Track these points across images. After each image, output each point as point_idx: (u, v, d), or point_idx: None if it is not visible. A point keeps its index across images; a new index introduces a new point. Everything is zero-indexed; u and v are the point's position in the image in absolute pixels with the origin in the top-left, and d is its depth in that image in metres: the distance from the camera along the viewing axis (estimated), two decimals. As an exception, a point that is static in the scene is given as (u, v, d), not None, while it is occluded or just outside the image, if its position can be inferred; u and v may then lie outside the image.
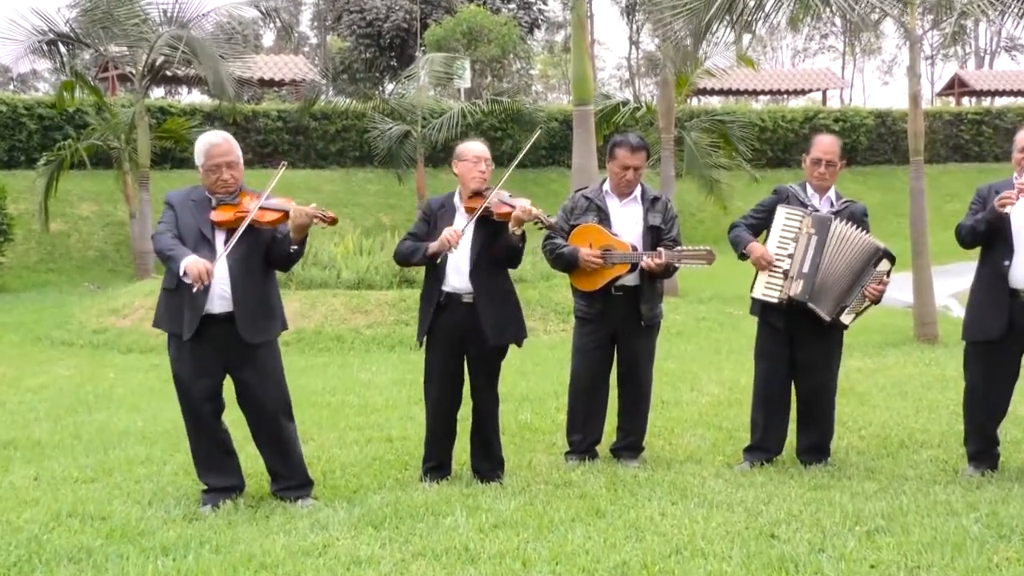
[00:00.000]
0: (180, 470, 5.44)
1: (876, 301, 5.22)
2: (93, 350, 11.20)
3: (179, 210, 4.68)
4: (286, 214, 4.57)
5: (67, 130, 20.06)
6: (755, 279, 5.28)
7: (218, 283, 4.55)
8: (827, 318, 5.12)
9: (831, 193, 5.33)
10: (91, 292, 16.17)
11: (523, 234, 4.93)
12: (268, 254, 4.69)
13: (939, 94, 39.42)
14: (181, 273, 4.40)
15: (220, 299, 4.59)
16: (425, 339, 5.08)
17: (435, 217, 5.06)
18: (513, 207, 4.86)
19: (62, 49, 17.25)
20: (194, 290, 4.42)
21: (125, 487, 5.12)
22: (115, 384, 8.81)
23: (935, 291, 10.53)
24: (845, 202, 5.33)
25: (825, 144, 5.29)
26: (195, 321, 4.55)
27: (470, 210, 4.96)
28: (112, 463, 5.67)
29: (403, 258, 5.10)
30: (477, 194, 5.00)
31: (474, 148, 5.06)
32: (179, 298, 4.57)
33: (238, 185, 4.69)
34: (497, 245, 4.98)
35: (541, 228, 5.02)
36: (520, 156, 5.46)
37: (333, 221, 4.58)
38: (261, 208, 4.56)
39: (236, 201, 4.63)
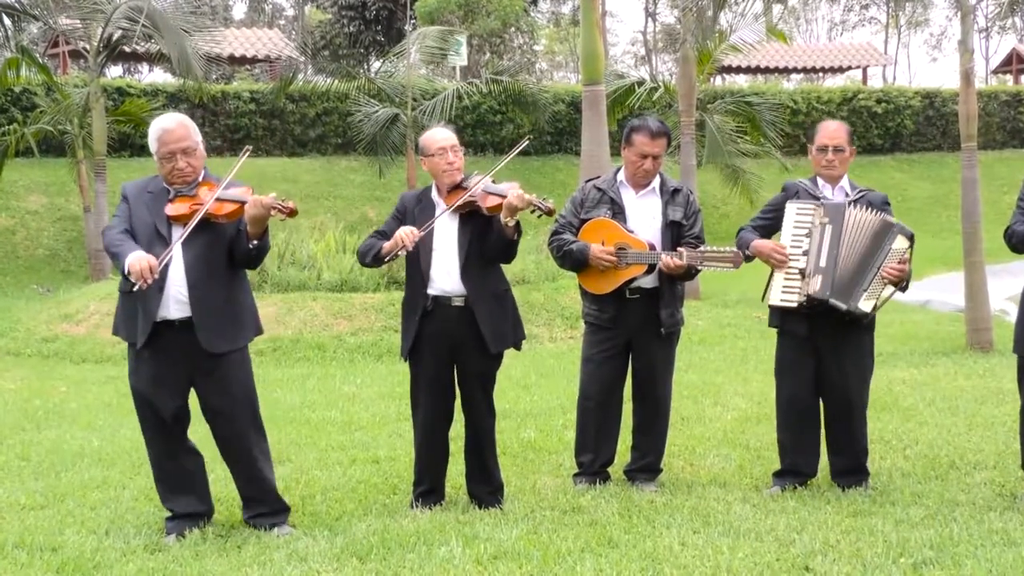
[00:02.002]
0: (140, 495, 5.45)
1: (898, 285, 5.21)
2: (42, 360, 11.21)
3: (133, 203, 4.69)
4: (243, 205, 4.56)
5: (12, 113, 20.08)
6: (768, 286, 5.31)
7: (173, 285, 4.57)
8: (844, 307, 5.13)
9: (844, 183, 5.36)
10: (40, 295, 16.19)
11: (518, 224, 4.94)
12: (231, 252, 4.70)
13: (995, 71, 39.46)
14: (125, 271, 4.41)
15: (176, 303, 4.59)
16: (410, 350, 5.08)
17: (410, 214, 5.07)
18: (503, 196, 4.87)
19: (6, 21, 17.23)
20: (135, 289, 4.41)
21: (79, 514, 5.13)
22: (67, 398, 8.83)
23: (990, 293, 10.54)
24: (861, 192, 5.35)
25: (831, 130, 5.36)
26: (147, 327, 4.56)
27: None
28: (64, 487, 5.68)
29: (360, 257, 5.17)
30: (457, 187, 5.01)
31: (437, 138, 5.06)
32: (134, 302, 4.59)
33: (197, 175, 4.70)
34: (488, 240, 4.99)
35: (540, 216, 5.00)
36: (505, 161, 5.39)
37: (292, 212, 4.55)
38: (218, 200, 4.56)
39: (194, 192, 4.64)
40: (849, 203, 5.22)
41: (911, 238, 5.21)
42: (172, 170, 4.64)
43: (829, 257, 5.12)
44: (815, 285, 5.13)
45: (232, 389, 4.74)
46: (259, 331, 4.91)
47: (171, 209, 4.62)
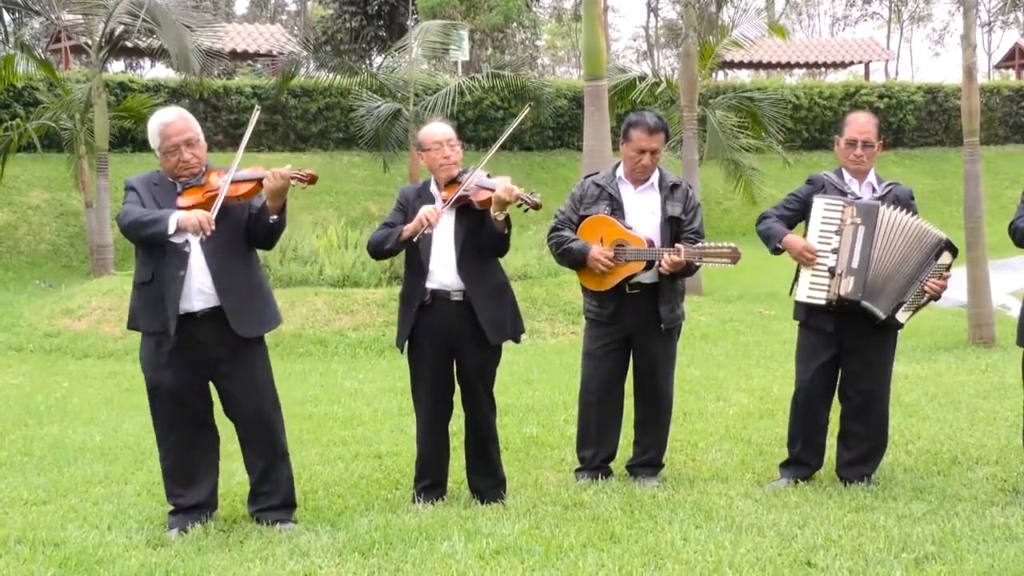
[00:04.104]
0: (143, 490, 5.46)
1: (935, 297, 5.21)
2: (44, 355, 11.22)
3: (143, 194, 4.67)
4: (260, 182, 4.57)
5: (15, 108, 20.09)
6: (795, 280, 5.28)
7: (195, 276, 4.57)
8: (883, 316, 5.11)
9: (871, 177, 5.34)
10: (42, 291, 16.20)
11: (507, 219, 4.94)
12: (248, 234, 4.70)
13: (997, 66, 39.45)
14: (172, 231, 4.39)
15: (200, 294, 4.59)
16: (407, 344, 5.09)
17: (412, 207, 5.06)
18: (492, 189, 4.87)
19: (6, 17, 17.25)
20: (199, 240, 4.40)
21: (81, 509, 5.14)
22: (69, 394, 8.84)
23: (992, 288, 10.53)
24: (888, 186, 5.33)
25: (860, 123, 5.31)
26: (174, 319, 4.54)
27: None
28: (67, 483, 5.69)
29: (376, 246, 5.09)
30: (454, 181, 5.02)
31: (435, 132, 5.06)
32: (156, 290, 4.58)
33: (202, 165, 4.70)
34: (482, 234, 4.99)
35: (526, 210, 4.98)
36: (501, 139, 5.40)
37: (312, 179, 4.59)
38: (233, 182, 4.55)
39: (202, 182, 4.64)
40: (881, 203, 5.18)
41: (955, 252, 5.18)
42: (178, 163, 4.64)
43: (862, 259, 5.08)
44: (847, 286, 5.09)
45: (259, 374, 4.78)
46: (278, 319, 4.93)
47: (184, 201, 4.59)
